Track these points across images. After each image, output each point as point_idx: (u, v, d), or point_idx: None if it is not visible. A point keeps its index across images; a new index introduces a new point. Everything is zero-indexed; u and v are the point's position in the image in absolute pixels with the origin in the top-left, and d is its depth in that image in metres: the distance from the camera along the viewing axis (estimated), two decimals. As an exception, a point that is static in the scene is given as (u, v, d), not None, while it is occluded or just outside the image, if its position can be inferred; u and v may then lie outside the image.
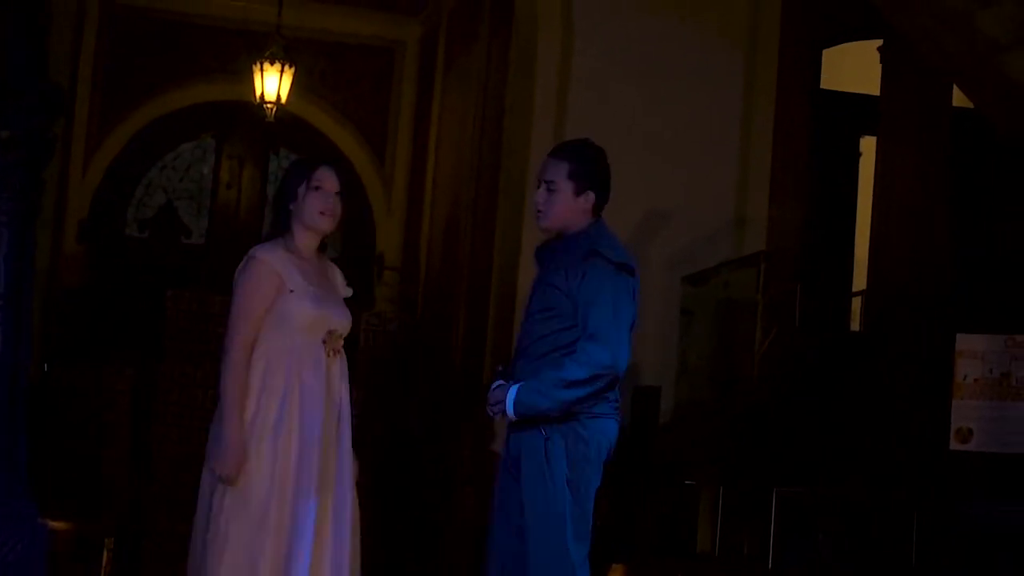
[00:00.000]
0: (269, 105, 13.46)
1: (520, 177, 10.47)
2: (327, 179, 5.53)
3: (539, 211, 5.71)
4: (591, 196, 5.71)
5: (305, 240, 5.52)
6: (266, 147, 15.00)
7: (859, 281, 13.10)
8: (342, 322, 5.52)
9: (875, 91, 12.08)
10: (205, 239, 14.95)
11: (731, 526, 9.10)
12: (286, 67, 13.45)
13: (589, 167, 5.76)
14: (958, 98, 11.25)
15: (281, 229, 5.52)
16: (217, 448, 5.27)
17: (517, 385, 5.55)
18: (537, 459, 5.61)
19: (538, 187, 5.71)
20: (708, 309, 10.54)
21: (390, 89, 15.02)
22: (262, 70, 13.44)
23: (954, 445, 8.83)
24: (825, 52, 12.49)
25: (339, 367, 5.49)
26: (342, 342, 5.51)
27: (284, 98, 13.52)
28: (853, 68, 12.61)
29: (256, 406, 5.32)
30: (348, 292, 5.66)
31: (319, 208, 5.49)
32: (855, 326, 12.90)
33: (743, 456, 8.82)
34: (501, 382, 5.63)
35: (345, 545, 5.42)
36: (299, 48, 13.89)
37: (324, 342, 5.42)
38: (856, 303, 13.11)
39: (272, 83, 13.44)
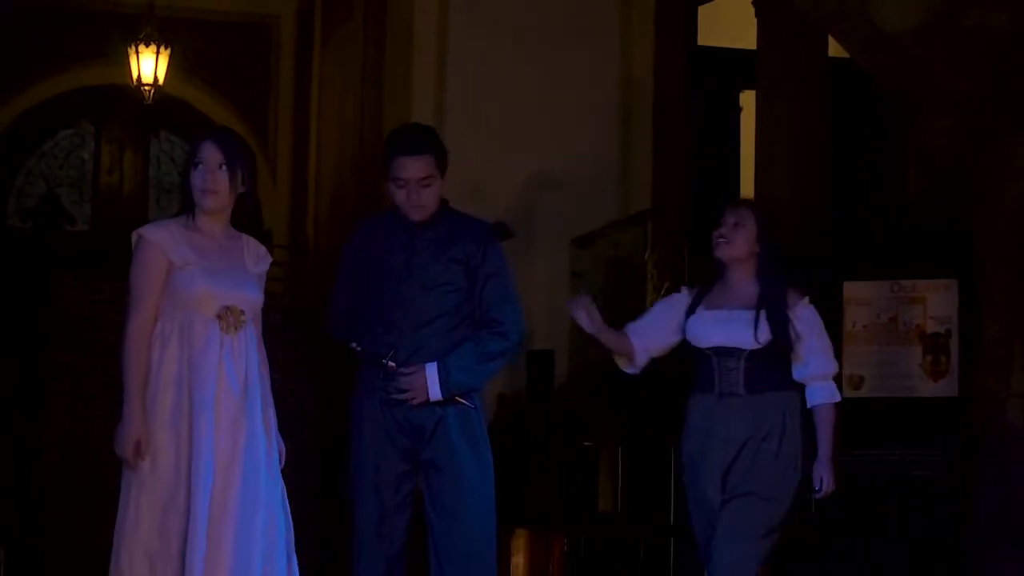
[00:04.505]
0: (147, 87, 13.32)
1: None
2: (212, 155, 5.30)
3: (422, 206, 5.72)
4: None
5: (205, 217, 5.35)
6: (146, 130, 14.85)
7: (746, 235, 13.20)
8: (241, 297, 5.30)
9: (752, 45, 12.15)
10: (90, 225, 14.79)
11: (631, 485, 9.15)
12: (162, 48, 13.33)
13: (445, 152, 5.81)
14: (834, 48, 11.34)
15: (186, 207, 5.38)
16: (118, 429, 5.15)
17: (435, 366, 5.62)
18: (468, 430, 5.74)
19: (403, 187, 5.68)
20: (598, 270, 10.58)
21: (268, 65, 14.92)
22: (137, 52, 13.31)
23: (847, 392, 8.92)
24: (701, 8, 12.55)
25: (242, 345, 5.28)
26: (244, 318, 5.28)
27: (162, 80, 13.39)
28: (729, 23, 12.67)
29: (154, 388, 5.19)
30: (261, 268, 5.47)
31: (201, 185, 5.30)
32: (744, 279, 12.99)
33: (640, 414, 8.87)
34: (391, 364, 5.66)
35: (256, 533, 5.21)
36: (174, 28, 13.75)
37: (219, 318, 5.25)
38: (744, 257, 13.20)
39: (148, 65, 13.31)
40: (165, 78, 13.41)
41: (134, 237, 5.33)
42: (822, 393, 6.20)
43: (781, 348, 6.06)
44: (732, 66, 12.90)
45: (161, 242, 5.28)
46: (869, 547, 8.50)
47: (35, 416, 9.98)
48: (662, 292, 9.63)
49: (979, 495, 7.13)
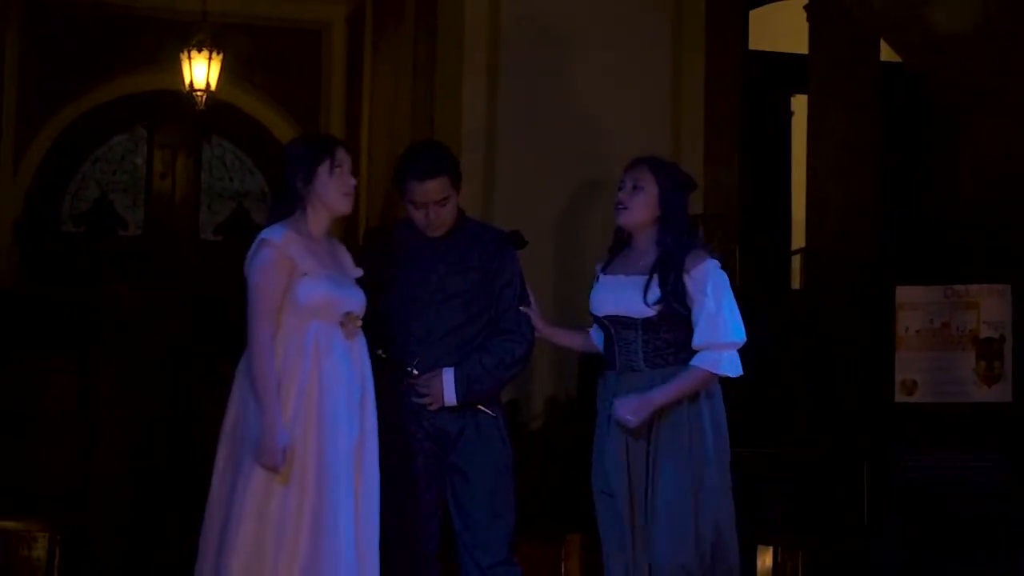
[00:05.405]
0: (199, 93, 13.39)
1: (455, 154, 10.43)
2: (347, 160, 5.46)
3: (441, 224, 5.79)
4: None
5: (319, 221, 5.44)
6: (198, 135, 14.92)
7: (798, 239, 13.18)
8: (358, 303, 5.42)
9: (803, 50, 12.12)
10: (142, 230, 14.87)
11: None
12: (214, 54, 13.40)
13: (458, 168, 5.88)
14: (886, 51, 11.31)
15: (290, 210, 5.42)
16: (260, 438, 5.18)
17: (451, 372, 5.66)
18: (489, 437, 5.75)
19: (419, 208, 5.76)
20: (649, 275, 10.55)
21: (319, 71, 14.96)
22: (190, 58, 13.38)
23: (899, 397, 8.89)
24: (752, 13, 12.53)
25: (359, 350, 5.40)
26: (360, 323, 5.40)
27: (214, 85, 13.46)
28: (781, 28, 12.65)
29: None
30: (358, 272, 5.55)
31: (343, 189, 5.43)
32: (796, 284, 12.98)
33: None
34: (415, 372, 5.70)
35: (374, 537, 5.37)
36: (226, 34, 13.81)
37: (342, 325, 5.34)
38: (796, 261, 13.19)
39: (200, 71, 13.38)
40: (217, 84, 13.47)
41: (256, 241, 5.35)
42: (701, 358, 5.56)
43: (674, 315, 5.53)
44: (783, 70, 12.88)
45: (287, 248, 5.32)
46: (925, 554, 8.46)
47: (90, 425, 10.02)
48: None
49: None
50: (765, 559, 8.46)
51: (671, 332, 5.57)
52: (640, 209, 5.69)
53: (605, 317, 5.68)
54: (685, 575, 5.50)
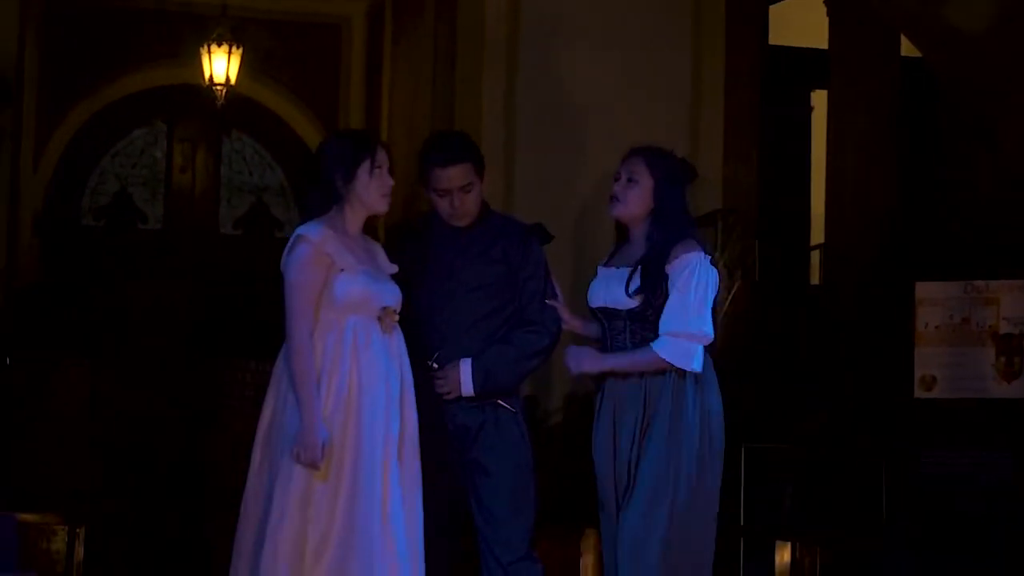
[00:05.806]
0: (219, 87, 13.40)
1: (474, 147, 10.43)
2: (386, 160, 5.49)
3: (466, 213, 5.79)
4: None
5: (356, 219, 5.46)
6: (218, 129, 14.93)
7: (817, 234, 13.16)
8: (394, 298, 5.43)
9: (823, 45, 12.11)
10: (162, 224, 14.89)
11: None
12: (234, 48, 13.40)
13: (481, 155, 5.87)
14: (907, 47, 11.29)
15: (327, 207, 5.43)
16: (300, 434, 5.20)
17: (469, 362, 5.65)
18: (509, 433, 5.77)
19: (444, 196, 5.77)
20: (668, 270, 10.53)
21: (339, 66, 14.96)
22: (210, 52, 13.39)
23: (919, 393, 8.88)
24: (772, 8, 12.51)
25: (397, 345, 5.42)
26: (397, 318, 5.41)
27: (233, 79, 13.46)
28: (800, 23, 12.63)
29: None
30: (393, 268, 5.56)
31: (383, 190, 5.46)
32: (815, 279, 12.97)
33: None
34: (435, 366, 5.69)
35: (419, 533, 5.38)
36: (245, 28, 13.82)
37: (379, 319, 5.35)
38: (815, 256, 13.18)
39: (220, 65, 13.39)
40: (237, 78, 13.48)
41: (292, 238, 5.37)
42: (659, 342, 5.46)
43: (659, 307, 5.44)
44: (803, 65, 12.86)
45: (324, 244, 5.33)
46: (940, 551, 8.45)
47: (106, 417, 10.05)
48: (732, 292, 9.61)
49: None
50: (783, 555, 8.46)
51: (658, 324, 5.51)
52: (634, 202, 5.66)
53: (597, 309, 5.65)
54: (647, 565, 5.43)
